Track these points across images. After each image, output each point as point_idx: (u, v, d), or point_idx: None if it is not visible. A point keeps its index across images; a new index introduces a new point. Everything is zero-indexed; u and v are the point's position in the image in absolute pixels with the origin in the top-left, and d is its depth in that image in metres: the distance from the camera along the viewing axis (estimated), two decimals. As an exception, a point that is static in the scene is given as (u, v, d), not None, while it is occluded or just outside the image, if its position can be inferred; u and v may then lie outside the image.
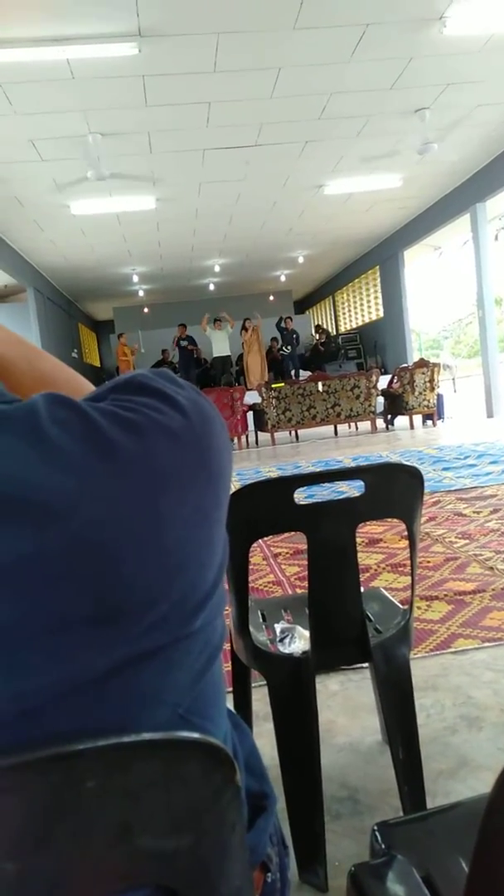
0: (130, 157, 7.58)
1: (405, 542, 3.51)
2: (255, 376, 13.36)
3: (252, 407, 10.05)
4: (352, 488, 4.62)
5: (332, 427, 10.01)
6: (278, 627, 1.45)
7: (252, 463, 8.02)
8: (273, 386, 9.80)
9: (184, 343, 14.15)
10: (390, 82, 6.48)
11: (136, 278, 14.68)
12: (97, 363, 20.56)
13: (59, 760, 0.38)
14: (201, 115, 6.70)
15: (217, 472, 0.46)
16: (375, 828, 0.82)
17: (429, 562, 3.16)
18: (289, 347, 14.35)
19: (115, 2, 4.68)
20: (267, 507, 1.23)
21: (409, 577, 2.98)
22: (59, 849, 0.38)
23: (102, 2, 4.66)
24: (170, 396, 0.46)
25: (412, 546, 1.33)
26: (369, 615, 1.52)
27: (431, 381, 9.78)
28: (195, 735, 0.42)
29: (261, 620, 1.55)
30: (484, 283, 9.88)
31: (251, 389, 11.39)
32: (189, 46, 5.38)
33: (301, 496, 4.51)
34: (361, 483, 1.24)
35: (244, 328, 13.69)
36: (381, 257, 14.33)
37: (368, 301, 16.31)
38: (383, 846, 0.79)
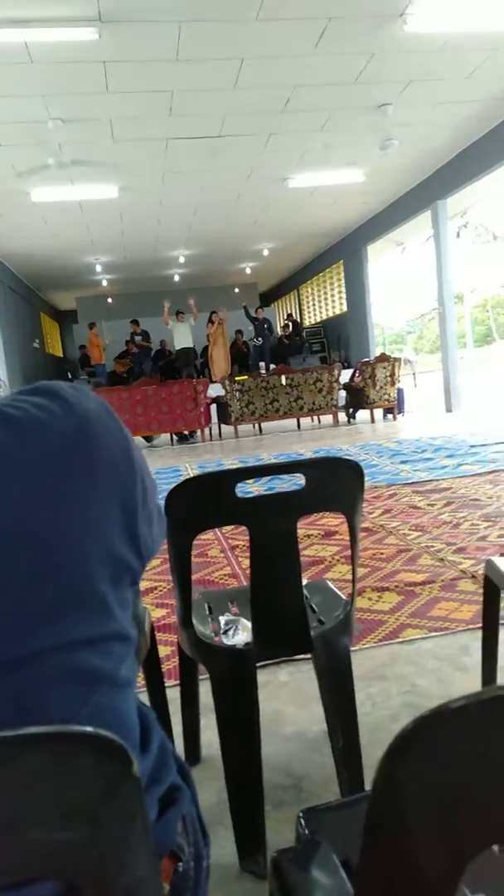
0: (92, 145, 7.47)
1: (360, 534, 3.56)
2: (220, 369, 13.32)
3: (215, 399, 10.04)
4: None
5: (294, 420, 10.07)
6: (223, 620, 1.46)
7: (214, 455, 8.02)
8: (237, 379, 9.80)
9: (138, 338, 14.11)
10: (353, 77, 6.50)
11: (99, 268, 14.48)
12: (60, 353, 20.26)
13: None
14: (164, 103, 6.63)
15: (97, 462, 0.48)
16: (301, 814, 0.84)
17: (382, 553, 3.21)
18: (260, 339, 14.31)
19: (74, -15, 4.60)
20: (208, 500, 1.24)
21: (363, 569, 3.03)
22: None
23: (61, -16, 4.57)
24: (60, 396, 0.49)
25: (353, 539, 1.36)
26: (313, 607, 1.54)
27: (392, 375, 9.90)
28: (85, 728, 0.42)
29: (207, 613, 1.56)
30: (444, 280, 10.02)
31: (215, 382, 11.37)
32: (151, 33, 5.31)
33: (262, 489, 4.53)
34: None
35: (210, 321, 13.61)
36: (345, 252, 14.42)
37: (333, 295, 16.40)
38: (307, 832, 0.81)
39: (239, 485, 1.23)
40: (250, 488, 4.43)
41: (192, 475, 4.55)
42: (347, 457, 1.30)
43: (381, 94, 6.98)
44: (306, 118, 7.39)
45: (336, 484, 1.29)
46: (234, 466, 6.72)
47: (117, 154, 7.86)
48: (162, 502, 0.68)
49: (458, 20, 5.56)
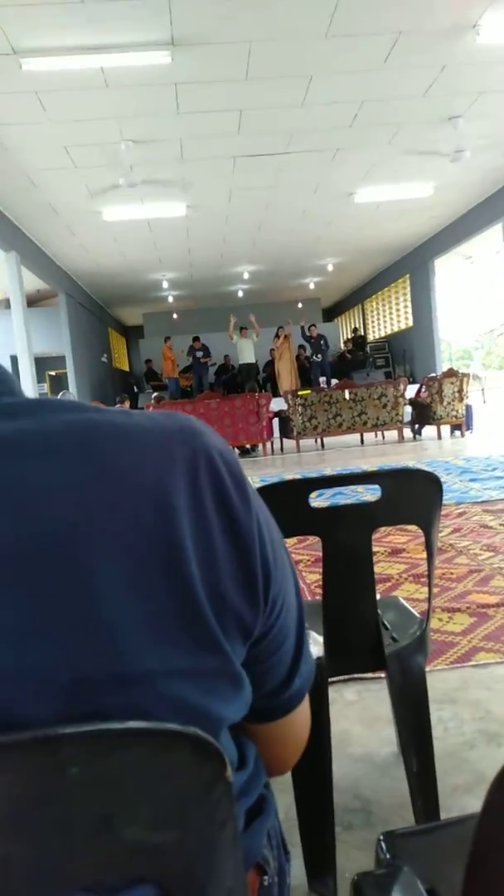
0: (162, 165, 7.67)
1: (428, 553, 3.47)
2: (286, 383, 13.28)
3: (278, 413, 10.04)
4: (374, 496, 4.57)
5: (358, 435, 9.95)
6: (293, 632, 1.43)
7: (276, 469, 8.00)
8: (299, 393, 9.78)
9: (199, 354, 14.29)
10: (423, 90, 6.45)
11: (165, 284, 14.81)
12: (126, 367, 20.77)
13: (41, 744, 0.37)
14: (232, 122, 6.75)
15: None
16: (381, 837, 0.80)
17: (452, 573, 3.11)
18: (319, 356, 14.29)
19: (149, 11, 4.75)
20: (281, 509, 1.22)
21: (433, 588, 2.94)
22: (38, 836, 0.37)
23: (137, 11, 4.73)
24: (187, 421, 0.52)
25: (429, 554, 1.31)
26: (386, 623, 1.49)
27: (460, 391, 9.66)
28: (183, 727, 0.41)
29: (276, 625, 1.54)
30: (515, 293, 9.75)
31: (279, 396, 11.39)
32: (221, 55, 5.43)
33: (324, 503, 4.48)
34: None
35: (276, 335, 13.65)
36: (410, 266, 14.25)
37: (398, 310, 16.21)
38: (388, 856, 0.77)
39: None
40: (315, 503, 4.38)
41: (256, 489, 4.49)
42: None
43: (452, 107, 6.90)
44: (374, 132, 7.37)
45: (413, 496, 1.25)
46: (297, 478, 6.65)
47: (185, 173, 8.04)
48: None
49: (532, 29, 5.44)
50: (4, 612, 0.40)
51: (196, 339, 14.51)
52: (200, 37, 5.16)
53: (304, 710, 0.61)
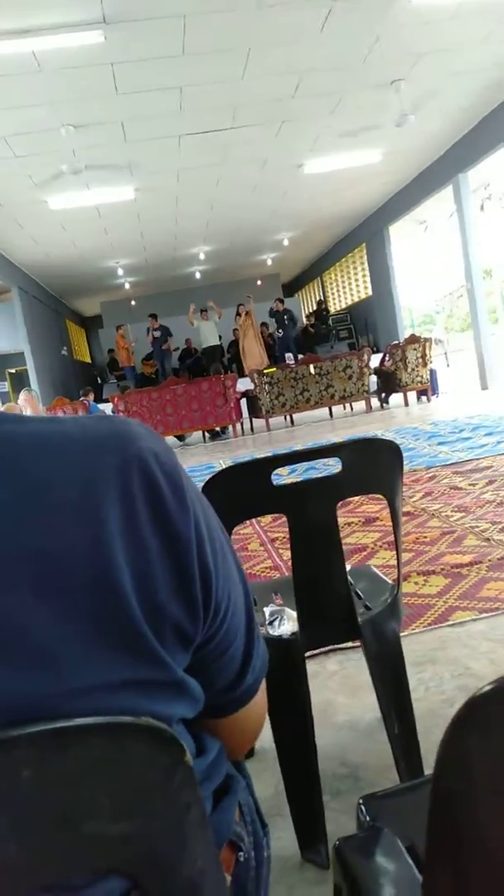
0: (105, 148, 7.51)
1: (402, 519, 3.51)
2: (255, 360, 13.16)
3: (245, 394, 10.03)
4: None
5: (326, 409, 10.00)
6: (267, 611, 1.44)
7: (248, 449, 8.01)
8: (265, 371, 9.77)
9: (156, 334, 13.97)
10: (362, 57, 6.40)
11: (121, 271, 14.59)
12: (87, 359, 20.50)
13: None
14: (174, 100, 6.62)
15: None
16: (361, 801, 0.82)
17: (425, 537, 3.16)
18: (281, 330, 14.23)
19: (77, -11, 4.61)
20: (244, 489, 1.22)
21: (407, 553, 2.99)
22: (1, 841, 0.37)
23: (64, -10, 4.59)
24: (120, 424, 0.51)
25: (395, 521, 1.33)
26: (359, 592, 1.51)
27: (423, 356, 9.75)
28: (139, 718, 0.41)
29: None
30: (471, 256, 9.83)
31: (246, 376, 11.36)
32: (155, 31, 5.30)
33: (298, 479, 4.50)
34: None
35: (238, 313, 13.53)
36: (366, 234, 14.24)
37: (357, 280, 16.23)
38: (368, 818, 0.79)
39: (274, 476, 1.21)
40: (287, 479, 4.40)
41: (226, 469, 4.48)
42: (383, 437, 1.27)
43: (393, 71, 6.85)
44: (317, 102, 7.30)
45: (374, 466, 1.26)
46: (256, 458, 6.67)
47: (131, 155, 7.89)
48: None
49: (467, -14, 5.41)
50: None
51: (153, 316, 14.19)
52: (133, 13, 5.02)
53: (258, 701, 0.61)
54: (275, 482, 1.23)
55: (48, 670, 0.41)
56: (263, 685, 0.61)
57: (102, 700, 0.42)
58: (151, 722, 0.41)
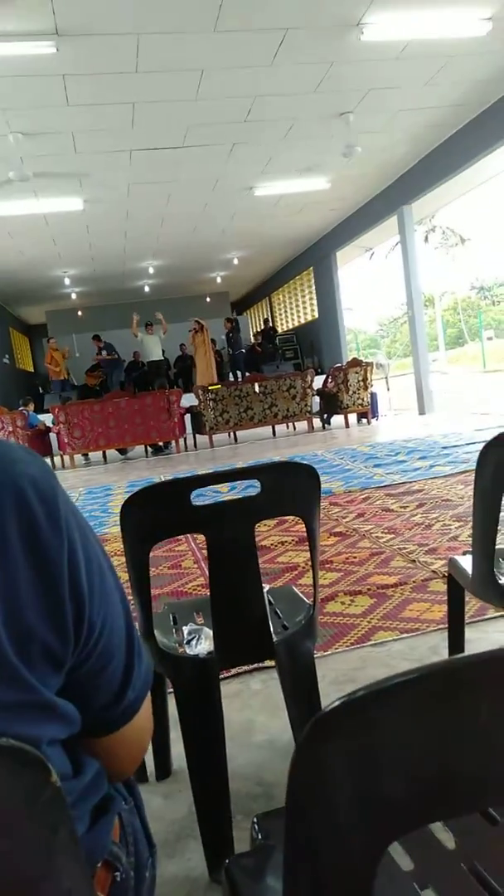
0: (54, 158, 7.45)
1: (334, 539, 3.57)
2: (204, 377, 13.04)
3: (189, 410, 10.02)
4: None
5: (269, 428, 10.09)
6: (186, 630, 1.45)
7: (189, 466, 7.99)
8: (209, 388, 9.80)
9: (103, 353, 13.98)
10: (313, 86, 6.58)
11: (68, 281, 14.41)
12: (31, 368, 20.08)
13: None
14: (126, 115, 6.64)
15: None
16: (255, 819, 0.84)
17: (355, 557, 3.22)
18: (230, 349, 14.35)
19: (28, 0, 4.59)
20: (163, 509, 1.23)
21: (336, 573, 3.04)
22: None
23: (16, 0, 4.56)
24: None
25: (311, 542, 1.36)
26: (278, 612, 1.54)
27: (365, 379, 9.97)
28: None
29: (171, 623, 1.55)
30: (413, 284, 10.15)
31: (190, 392, 11.34)
32: (109, 46, 5.33)
33: (237, 496, 4.52)
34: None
35: (193, 329, 13.36)
36: (314, 258, 14.53)
37: (304, 302, 16.51)
38: (260, 836, 0.80)
39: (213, 494, 1.22)
40: (224, 497, 4.42)
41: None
42: (302, 461, 1.30)
43: (342, 103, 7.07)
44: (269, 127, 7.45)
45: (292, 488, 1.30)
46: (176, 478, 6.66)
47: (80, 166, 7.85)
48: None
49: (413, 29, 5.66)
50: None
51: (96, 337, 14.11)
52: (86, 27, 5.03)
53: (141, 718, 0.62)
54: (201, 502, 1.25)
55: None
56: (147, 704, 0.62)
57: None
58: (12, 742, 0.41)
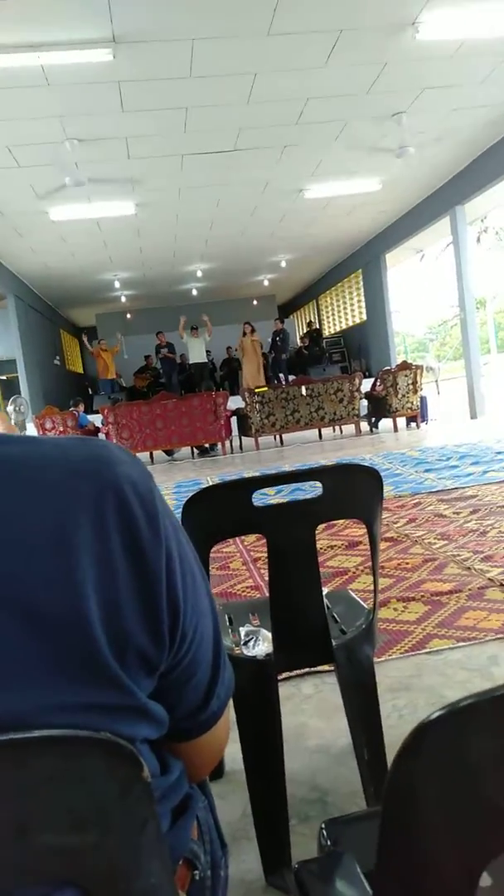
0: (108, 163, 7.59)
1: (384, 545, 3.52)
2: (252, 380, 13.02)
3: (236, 412, 10.05)
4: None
5: (316, 431, 10.04)
6: (243, 631, 1.45)
7: (235, 468, 8.02)
8: (256, 390, 9.81)
9: (164, 350, 14.01)
10: (366, 87, 6.53)
11: (118, 284, 14.66)
12: (80, 369, 20.49)
13: None
14: (179, 120, 6.72)
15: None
16: (323, 825, 0.82)
17: (407, 563, 3.17)
18: (273, 352, 14.34)
19: (88, 8, 4.69)
20: (225, 509, 1.23)
21: (389, 579, 3.00)
22: None
23: (76, 8, 4.67)
24: (98, 447, 0.51)
25: (373, 547, 1.34)
26: (336, 616, 1.52)
27: (414, 383, 9.83)
28: (97, 733, 0.42)
29: (227, 624, 1.55)
30: (465, 286, 9.96)
31: (237, 394, 11.38)
32: (164, 52, 5.40)
33: (283, 500, 4.51)
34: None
35: (244, 332, 13.42)
36: (363, 261, 14.41)
37: (352, 304, 16.38)
38: (329, 843, 0.79)
39: (260, 496, 1.22)
40: (272, 500, 4.41)
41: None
42: (365, 463, 1.28)
43: (395, 103, 6.99)
44: (320, 129, 7.43)
45: (354, 491, 1.28)
46: (238, 479, 6.65)
47: (133, 171, 7.97)
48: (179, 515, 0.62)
49: (469, 27, 5.57)
50: None
51: (160, 333, 13.95)
52: (142, 34, 5.11)
53: (221, 725, 0.61)
54: (259, 503, 1.25)
55: (10, 689, 0.41)
56: (227, 710, 0.62)
57: (65, 720, 0.42)
58: (110, 737, 0.41)
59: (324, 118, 7.13)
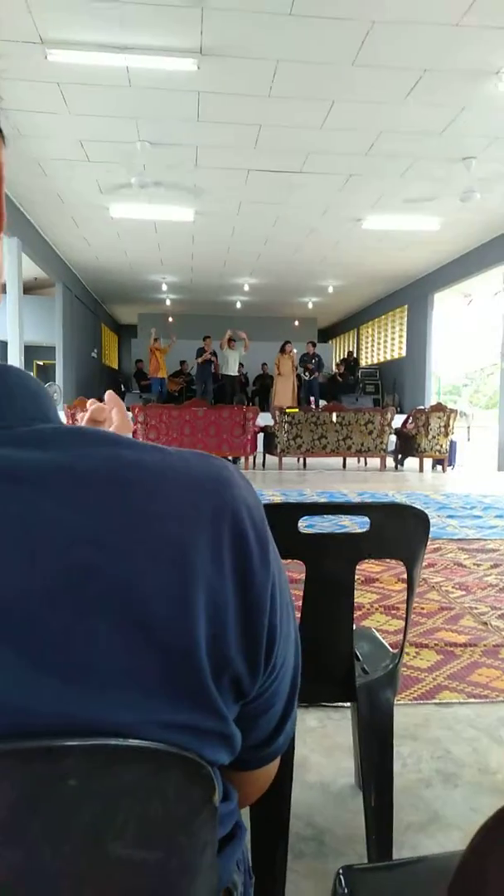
0: (175, 169, 7.70)
1: (401, 585, 3.47)
2: (283, 399, 13.04)
3: (264, 429, 10.05)
4: (353, 524, 4.59)
5: (341, 459, 9.99)
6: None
7: (256, 485, 7.99)
8: (286, 410, 9.81)
9: (207, 355, 13.90)
10: (441, 128, 6.56)
11: (164, 287, 14.82)
12: (115, 365, 20.71)
13: (44, 753, 0.37)
14: (251, 136, 6.80)
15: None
16: (341, 871, 0.80)
17: (423, 608, 3.12)
18: (307, 374, 14.35)
19: (181, 18, 4.79)
20: (274, 532, 1.21)
21: (402, 621, 2.95)
22: (29, 843, 0.37)
23: (169, 16, 4.76)
24: (220, 468, 0.50)
25: (410, 590, 1.31)
26: (358, 654, 1.49)
27: (447, 426, 9.75)
28: (180, 749, 0.41)
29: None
30: (509, 336, 9.89)
31: (267, 411, 11.39)
32: (247, 69, 5.48)
33: (301, 524, 4.48)
34: (365, 520, 1.22)
35: (283, 350, 13.50)
36: (410, 297, 14.41)
37: (392, 339, 16.37)
38: (346, 891, 0.76)
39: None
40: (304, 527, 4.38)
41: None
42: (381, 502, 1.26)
43: (467, 148, 7.02)
44: (388, 163, 7.48)
45: (400, 531, 1.26)
46: (277, 499, 6.68)
47: (198, 180, 8.08)
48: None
49: (552, 83, 5.57)
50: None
51: (207, 338, 13.74)
52: (229, 49, 5.20)
53: (276, 761, 0.60)
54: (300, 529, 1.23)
55: (115, 701, 0.40)
56: None
57: (160, 736, 0.41)
58: (194, 756, 0.41)
59: (394, 153, 7.18)
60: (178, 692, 0.43)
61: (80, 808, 0.38)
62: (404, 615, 2.98)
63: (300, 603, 1.30)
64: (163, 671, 0.42)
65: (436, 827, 1.55)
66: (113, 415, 0.81)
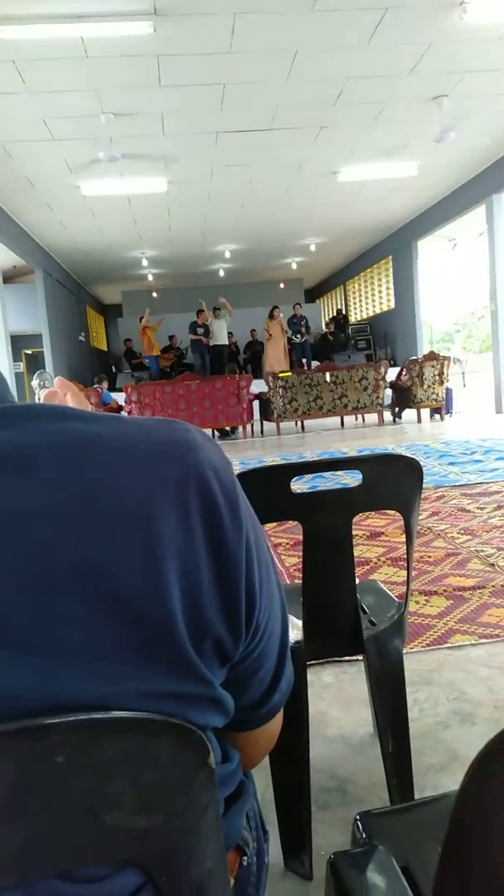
0: (142, 139, 7.53)
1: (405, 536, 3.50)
2: (275, 364, 13.01)
3: (258, 396, 10.02)
4: (354, 480, 4.61)
5: (338, 418, 9.98)
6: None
7: (256, 452, 8.01)
8: (280, 375, 9.76)
9: (201, 331, 13.74)
10: (408, 68, 6.38)
11: (145, 262, 14.61)
12: (104, 347, 20.55)
13: (29, 733, 0.37)
14: (215, 96, 6.63)
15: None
16: (358, 817, 0.82)
17: (429, 557, 3.15)
18: (298, 336, 14.22)
19: (131, -21, 4.62)
20: (263, 494, 1.21)
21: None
22: (28, 821, 0.38)
23: (118, -21, 4.60)
24: (186, 431, 0.50)
25: (409, 539, 1.32)
26: (364, 607, 1.51)
27: (441, 374, 9.72)
28: (170, 718, 0.42)
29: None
30: (498, 276, 9.78)
31: (260, 378, 11.34)
32: (205, 26, 5.31)
33: (304, 486, 4.49)
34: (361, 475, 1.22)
35: (271, 315, 13.39)
36: (393, 247, 14.22)
37: (380, 291, 16.20)
38: (364, 835, 0.78)
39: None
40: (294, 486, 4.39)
41: (236, 472, 4.53)
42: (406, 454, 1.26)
43: (437, 86, 6.84)
44: (359, 110, 7.30)
45: (394, 482, 1.26)
46: (279, 463, 6.64)
47: (167, 148, 7.91)
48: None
49: (519, 9, 5.39)
50: None
51: (201, 312, 13.35)
52: (184, 7, 5.03)
53: (277, 718, 0.61)
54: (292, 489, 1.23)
55: (95, 674, 0.40)
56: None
57: (144, 706, 0.42)
58: (182, 722, 0.42)
59: (363, 99, 7.00)
60: (157, 661, 0.43)
61: (72, 783, 0.38)
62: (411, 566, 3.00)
63: (301, 562, 1.31)
64: (139, 641, 0.42)
65: (455, 766, 1.58)
66: (68, 398, 0.81)
